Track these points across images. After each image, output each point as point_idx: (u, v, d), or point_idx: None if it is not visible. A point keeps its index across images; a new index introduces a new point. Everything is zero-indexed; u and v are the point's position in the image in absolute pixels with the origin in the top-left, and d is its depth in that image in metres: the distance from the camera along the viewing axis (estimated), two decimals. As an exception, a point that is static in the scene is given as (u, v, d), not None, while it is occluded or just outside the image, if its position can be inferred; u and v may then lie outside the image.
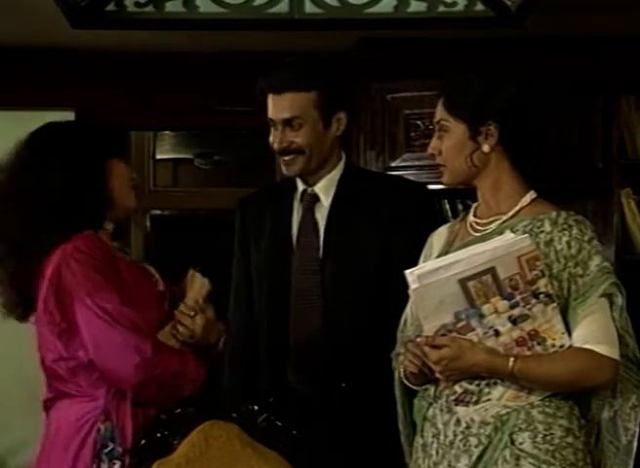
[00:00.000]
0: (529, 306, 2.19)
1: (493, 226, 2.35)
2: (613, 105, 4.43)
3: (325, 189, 2.84)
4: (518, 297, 2.19)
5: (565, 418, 2.24)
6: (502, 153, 2.35)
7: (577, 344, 2.22)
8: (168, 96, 4.74)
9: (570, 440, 2.23)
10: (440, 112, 2.38)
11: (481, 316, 2.19)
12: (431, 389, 2.35)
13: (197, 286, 2.57)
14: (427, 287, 2.17)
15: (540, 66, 4.22)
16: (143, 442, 2.42)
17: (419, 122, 4.41)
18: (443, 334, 2.21)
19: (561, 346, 2.22)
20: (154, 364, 2.39)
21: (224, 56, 4.61)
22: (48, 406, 2.54)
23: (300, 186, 2.87)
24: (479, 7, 3.35)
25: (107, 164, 2.52)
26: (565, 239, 2.26)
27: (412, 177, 3.66)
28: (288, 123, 2.76)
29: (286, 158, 2.80)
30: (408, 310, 2.43)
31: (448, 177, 2.40)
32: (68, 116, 4.53)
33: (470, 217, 2.42)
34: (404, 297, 2.29)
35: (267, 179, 5.30)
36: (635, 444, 2.28)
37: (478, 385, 2.25)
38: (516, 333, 2.21)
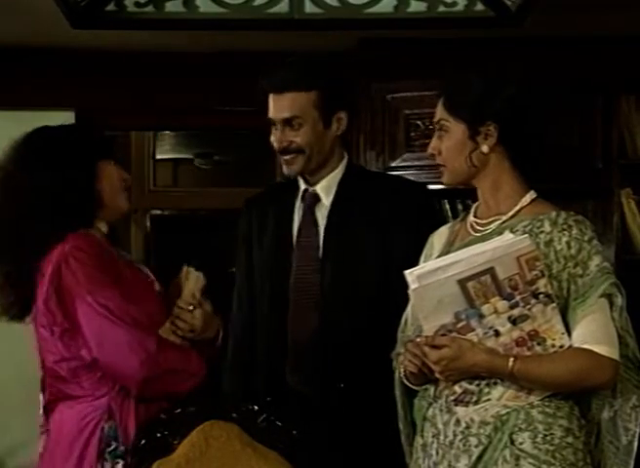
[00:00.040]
0: (528, 306, 2.19)
1: (493, 226, 2.35)
2: (613, 105, 4.43)
3: (326, 189, 2.84)
4: (518, 298, 2.19)
5: (565, 418, 2.24)
6: (502, 153, 2.35)
7: (576, 344, 2.22)
8: (168, 96, 4.74)
9: (570, 440, 2.23)
10: (440, 112, 2.38)
11: (481, 316, 2.19)
12: (431, 389, 2.35)
13: (192, 280, 2.59)
14: (427, 287, 2.17)
15: (540, 66, 4.22)
16: (143, 442, 2.42)
17: (419, 122, 4.41)
18: (443, 335, 2.21)
19: (561, 346, 2.22)
20: (159, 359, 2.40)
21: (224, 56, 4.61)
22: (50, 408, 2.54)
23: (302, 186, 2.88)
24: (479, 7, 3.35)
25: (96, 165, 2.53)
26: (565, 239, 2.26)
27: (412, 177, 3.65)
28: (288, 122, 2.77)
29: (286, 157, 2.80)
30: (408, 310, 2.43)
31: (448, 177, 2.40)
32: (68, 116, 4.54)
33: (470, 218, 2.42)
34: (404, 298, 2.29)
35: (267, 179, 5.30)
36: (636, 444, 2.28)
37: (478, 385, 2.25)
38: (516, 334, 2.21)
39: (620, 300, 2.25)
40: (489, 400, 2.24)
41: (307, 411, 2.73)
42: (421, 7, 3.36)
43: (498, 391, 2.24)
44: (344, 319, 2.77)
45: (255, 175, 6.16)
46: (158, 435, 2.43)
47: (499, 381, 2.24)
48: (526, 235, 2.23)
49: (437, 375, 2.26)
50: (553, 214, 2.31)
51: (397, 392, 2.45)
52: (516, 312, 2.19)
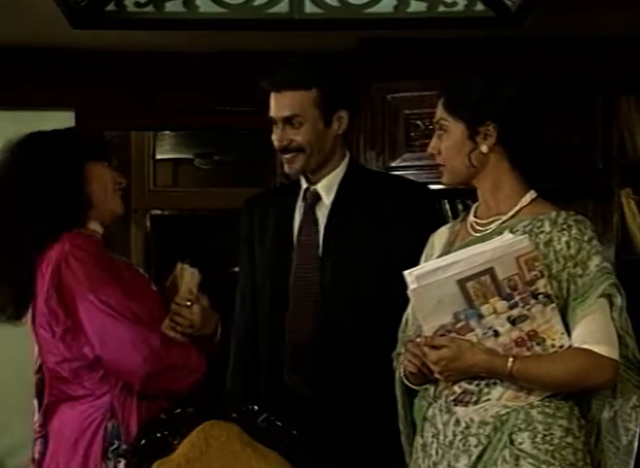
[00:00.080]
0: (528, 307, 2.19)
1: (493, 226, 2.34)
2: (613, 105, 4.43)
3: (327, 188, 2.85)
4: (517, 298, 2.18)
5: (565, 418, 2.24)
6: (502, 153, 2.35)
7: (576, 344, 2.22)
8: (168, 96, 4.74)
9: (569, 440, 2.23)
10: (440, 112, 2.38)
11: (480, 316, 2.19)
12: (431, 389, 2.34)
13: (188, 276, 2.60)
14: (426, 287, 2.17)
15: (540, 66, 4.22)
16: (143, 442, 2.42)
17: (419, 122, 4.41)
18: (442, 335, 2.21)
19: (560, 347, 2.22)
20: (162, 355, 2.41)
21: (224, 56, 4.61)
22: (50, 410, 2.54)
23: (304, 185, 2.88)
24: (479, 7, 3.35)
25: (85, 167, 2.54)
26: (564, 239, 2.26)
27: (412, 177, 3.64)
28: (288, 121, 2.77)
29: (287, 156, 2.81)
30: (409, 310, 2.43)
31: (447, 177, 2.40)
32: (68, 116, 4.55)
33: (471, 218, 2.42)
34: (404, 298, 2.29)
35: (267, 179, 5.31)
36: (636, 444, 2.28)
37: (477, 385, 2.25)
38: (515, 334, 2.21)
39: (619, 300, 2.25)
40: (488, 400, 2.24)
41: (306, 411, 2.73)
42: (421, 7, 3.36)
43: (497, 391, 2.24)
44: (343, 318, 2.76)
45: (255, 175, 6.16)
46: (158, 435, 2.43)
47: (498, 381, 2.24)
48: (525, 235, 2.23)
49: (437, 376, 2.26)
50: (553, 213, 2.31)
51: (398, 392, 2.45)
52: (515, 312, 2.19)
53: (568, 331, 2.22)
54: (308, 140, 2.77)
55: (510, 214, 2.34)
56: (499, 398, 2.24)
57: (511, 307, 2.19)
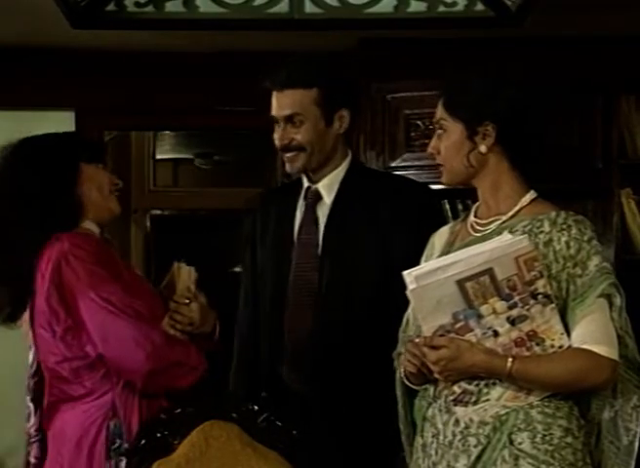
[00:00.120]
0: (527, 307, 2.19)
1: (493, 226, 2.34)
2: (613, 105, 4.43)
3: (328, 187, 2.85)
4: (516, 298, 2.18)
5: (564, 418, 2.23)
6: (501, 153, 2.34)
7: (575, 345, 2.22)
8: (168, 96, 4.74)
9: (569, 440, 2.23)
10: (439, 112, 2.38)
11: (479, 317, 2.19)
12: (431, 389, 2.34)
13: (185, 275, 2.60)
14: (425, 287, 2.17)
15: (540, 66, 4.22)
16: (144, 442, 2.42)
17: (419, 122, 4.41)
18: (441, 335, 2.21)
19: (560, 347, 2.22)
20: (165, 352, 2.41)
21: (224, 56, 4.61)
22: (52, 410, 2.54)
23: (305, 183, 2.88)
24: (479, 7, 3.35)
25: (79, 169, 2.55)
26: (564, 239, 2.26)
27: (412, 177, 3.64)
28: (289, 120, 2.77)
29: (288, 155, 2.81)
30: (410, 310, 2.42)
31: (447, 177, 2.40)
32: (68, 116, 4.55)
33: (471, 218, 2.42)
34: (403, 298, 2.29)
35: (267, 179, 5.31)
36: (637, 444, 2.28)
37: (477, 385, 2.25)
38: (515, 334, 2.21)
39: (619, 300, 2.25)
40: (488, 400, 2.24)
41: (306, 411, 2.73)
42: (421, 7, 3.36)
43: (497, 391, 2.24)
44: (342, 318, 2.76)
45: (255, 175, 6.16)
46: (158, 435, 2.44)
47: (497, 382, 2.23)
48: (525, 235, 2.23)
49: (436, 376, 2.26)
50: (553, 213, 2.31)
51: (398, 392, 2.44)
52: (515, 312, 2.19)
53: (567, 331, 2.22)
54: (309, 139, 2.77)
55: (510, 214, 2.34)
56: (498, 398, 2.24)
57: (510, 307, 2.19)
